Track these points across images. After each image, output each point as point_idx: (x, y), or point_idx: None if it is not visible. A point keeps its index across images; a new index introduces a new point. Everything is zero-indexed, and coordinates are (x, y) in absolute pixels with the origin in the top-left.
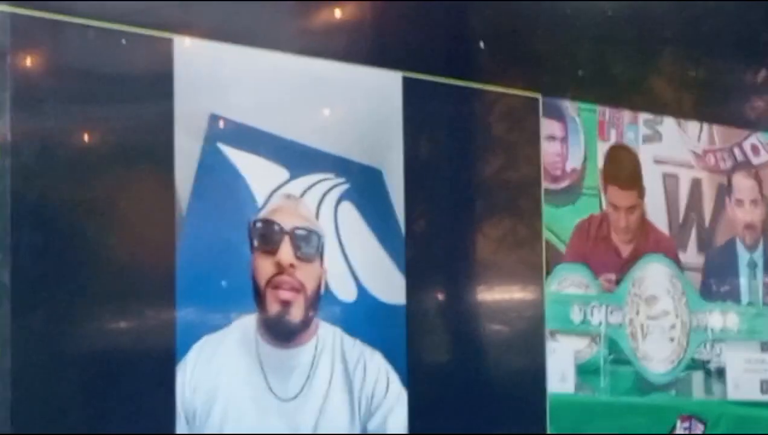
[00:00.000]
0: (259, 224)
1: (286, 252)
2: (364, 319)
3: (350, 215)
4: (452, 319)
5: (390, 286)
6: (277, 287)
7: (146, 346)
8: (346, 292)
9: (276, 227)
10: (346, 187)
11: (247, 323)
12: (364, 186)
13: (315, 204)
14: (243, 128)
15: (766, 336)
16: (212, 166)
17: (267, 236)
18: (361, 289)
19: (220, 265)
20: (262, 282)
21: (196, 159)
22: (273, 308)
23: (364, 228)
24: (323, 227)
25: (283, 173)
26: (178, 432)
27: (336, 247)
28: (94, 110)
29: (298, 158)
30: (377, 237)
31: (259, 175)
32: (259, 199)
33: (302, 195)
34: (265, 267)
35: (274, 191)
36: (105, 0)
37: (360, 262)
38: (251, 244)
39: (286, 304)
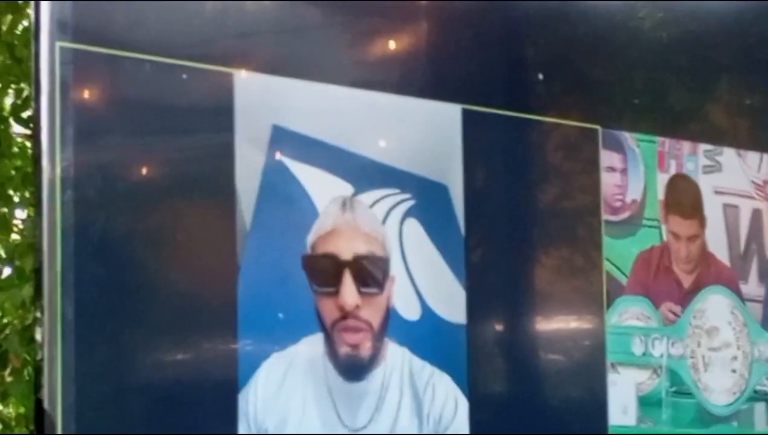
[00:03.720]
0: (313, 261)
1: (349, 292)
2: (429, 339)
3: (415, 232)
4: (513, 346)
5: (452, 304)
6: (344, 331)
7: (209, 373)
8: (411, 311)
9: (332, 262)
10: (411, 202)
11: (315, 349)
12: (429, 201)
13: (380, 219)
14: (306, 142)
15: None
16: (275, 183)
17: (325, 275)
18: (425, 308)
19: (286, 287)
20: (327, 322)
21: (258, 177)
22: (342, 351)
23: (428, 243)
24: (388, 244)
25: (347, 188)
26: None
27: (401, 266)
28: (156, 143)
29: (361, 172)
30: (441, 253)
31: (323, 189)
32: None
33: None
34: (328, 310)
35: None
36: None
37: (424, 279)
38: (310, 285)
39: (355, 348)
